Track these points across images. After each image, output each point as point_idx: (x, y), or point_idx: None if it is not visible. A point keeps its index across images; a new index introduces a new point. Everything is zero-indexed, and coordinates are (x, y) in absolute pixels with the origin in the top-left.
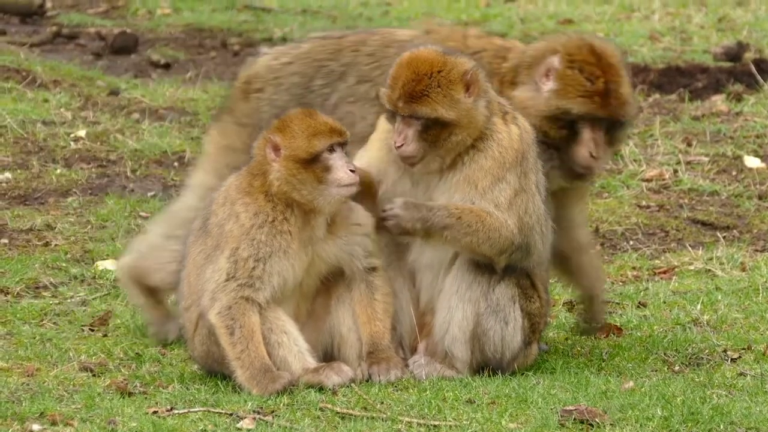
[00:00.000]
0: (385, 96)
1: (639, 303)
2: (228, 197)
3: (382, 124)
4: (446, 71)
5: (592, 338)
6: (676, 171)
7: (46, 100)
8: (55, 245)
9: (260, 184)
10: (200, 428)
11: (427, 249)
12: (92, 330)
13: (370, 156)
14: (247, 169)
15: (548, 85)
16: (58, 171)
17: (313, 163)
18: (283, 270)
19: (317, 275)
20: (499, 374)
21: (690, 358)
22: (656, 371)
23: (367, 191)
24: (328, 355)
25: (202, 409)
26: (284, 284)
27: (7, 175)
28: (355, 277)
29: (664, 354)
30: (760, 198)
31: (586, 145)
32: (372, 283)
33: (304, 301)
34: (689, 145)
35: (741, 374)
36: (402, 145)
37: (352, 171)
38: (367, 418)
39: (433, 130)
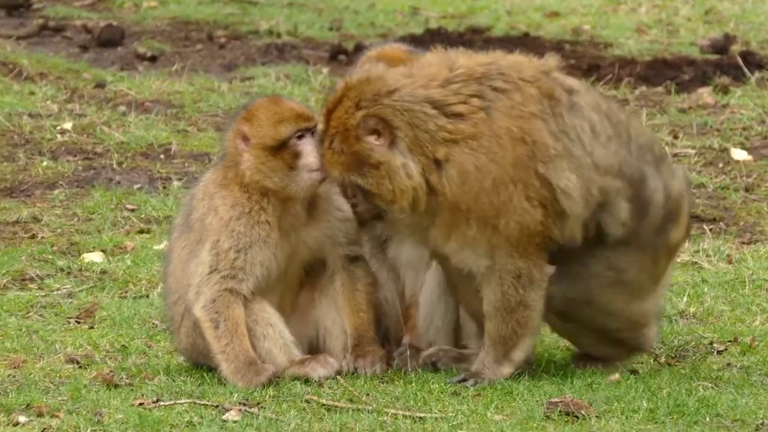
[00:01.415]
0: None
1: None
2: (207, 192)
3: None
4: None
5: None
6: None
7: (32, 93)
8: (42, 237)
9: (234, 176)
10: (186, 420)
11: (406, 246)
12: (78, 322)
13: None
14: (222, 163)
15: None
16: (45, 163)
17: (281, 150)
18: (265, 260)
19: (301, 264)
20: None
21: (676, 350)
22: (642, 363)
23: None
24: (313, 348)
25: (188, 401)
26: (268, 274)
27: None
28: (338, 267)
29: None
30: (746, 190)
31: None
32: (354, 273)
33: (289, 294)
34: (676, 137)
35: (727, 366)
36: None
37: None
38: (353, 410)
39: None
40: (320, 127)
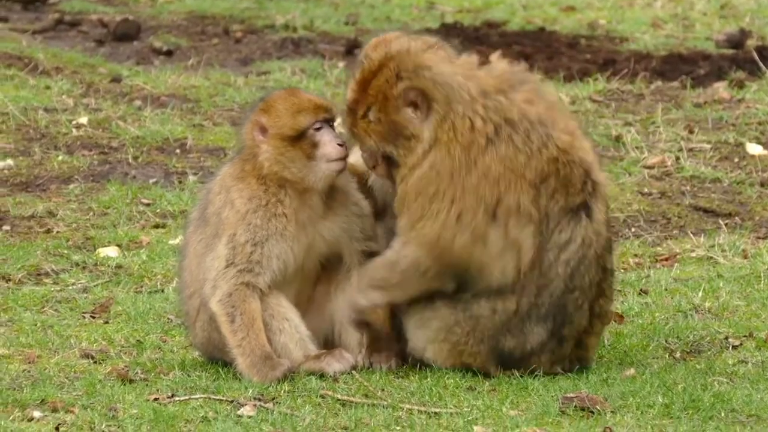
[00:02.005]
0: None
1: (641, 290)
2: (223, 185)
3: None
4: None
5: None
6: (678, 158)
7: (48, 87)
8: (57, 232)
9: (251, 168)
10: (201, 415)
11: None
12: (93, 317)
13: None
14: (239, 156)
15: None
16: (60, 158)
17: (300, 140)
18: (282, 253)
19: (317, 257)
20: None
21: (691, 346)
22: (657, 358)
23: (360, 182)
24: (329, 342)
25: (202, 396)
26: (285, 268)
27: (9, 162)
28: (354, 262)
29: (666, 341)
30: (762, 185)
31: None
32: None
33: (306, 288)
34: (691, 132)
35: (742, 361)
36: None
37: (340, 145)
38: (368, 405)
39: None
40: (351, 96)
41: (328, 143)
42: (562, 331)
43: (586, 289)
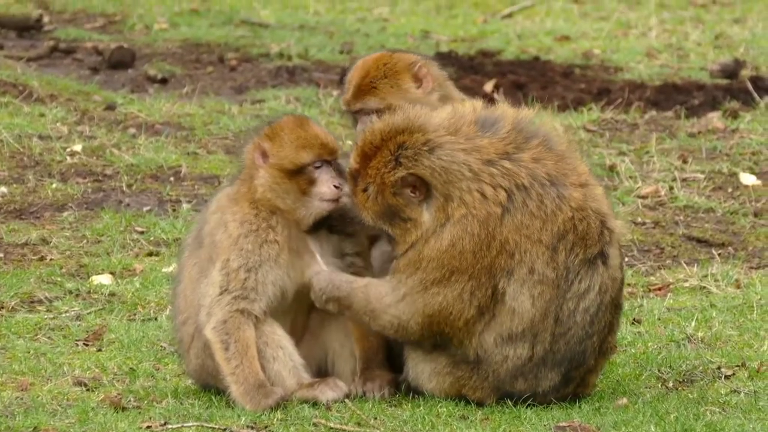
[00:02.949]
0: (341, 100)
1: (633, 319)
2: (219, 205)
3: None
4: (392, 63)
5: None
6: (671, 188)
7: (42, 115)
8: (50, 259)
9: (246, 190)
10: None
11: None
12: (86, 345)
13: None
14: (239, 177)
15: None
16: (54, 185)
17: (298, 175)
18: (277, 279)
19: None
20: None
21: (684, 375)
22: (650, 388)
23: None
24: (322, 371)
25: (195, 423)
26: (281, 294)
27: (3, 189)
28: None
29: (658, 371)
30: (755, 215)
31: None
32: None
33: (300, 316)
34: (685, 161)
35: (734, 391)
36: None
37: (336, 187)
38: None
39: None
40: (353, 164)
41: (324, 183)
42: (571, 373)
43: (600, 331)
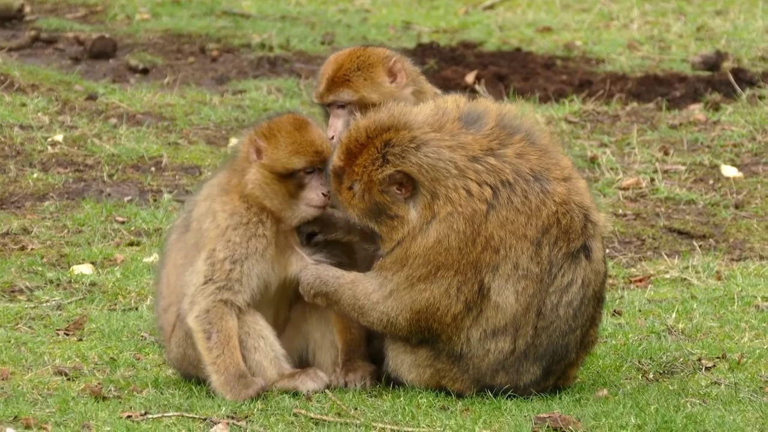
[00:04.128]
0: (313, 92)
1: (614, 311)
2: (210, 193)
3: None
4: (366, 57)
5: None
6: (653, 179)
7: (23, 104)
8: (32, 249)
9: (237, 183)
10: None
11: None
12: (67, 334)
13: None
14: (231, 165)
15: None
16: (35, 175)
17: (288, 178)
18: (262, 273)
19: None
20: None
21: (664, 367)
22: (630, 379)
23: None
24: (303, 361)
25: (176, 413)
26: (265, 287)
27: None
28: None
29: (639, 362)
30: (736, 207)
31: None
32: None
33: (283, 308)
34: (666, 153)
35: (715, 383)
36: (333, 136)
37: (324, 195)
38: (341, 424)
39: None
40: (337, 162)
41: (314, 189)
42: (552, 366)
43: (583, 325)
